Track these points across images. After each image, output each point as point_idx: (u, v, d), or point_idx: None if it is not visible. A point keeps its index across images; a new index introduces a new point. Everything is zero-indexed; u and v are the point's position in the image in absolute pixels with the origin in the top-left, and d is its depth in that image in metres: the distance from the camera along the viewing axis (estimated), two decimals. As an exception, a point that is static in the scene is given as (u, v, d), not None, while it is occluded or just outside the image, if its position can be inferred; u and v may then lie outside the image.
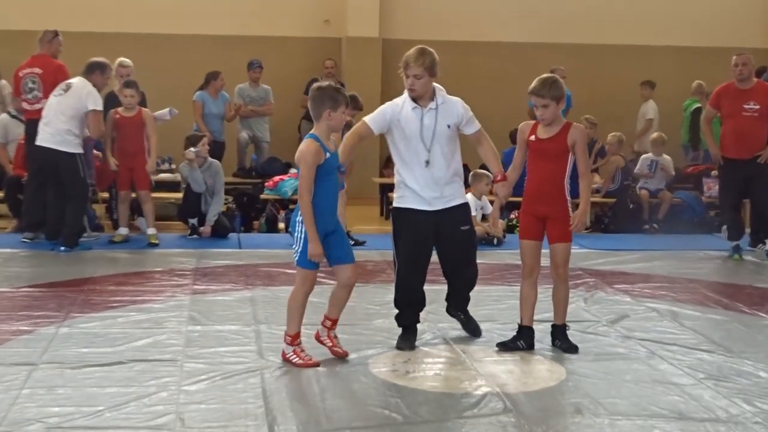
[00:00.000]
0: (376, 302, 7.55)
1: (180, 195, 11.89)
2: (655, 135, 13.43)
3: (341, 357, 6.14)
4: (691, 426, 5.12)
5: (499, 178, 6.54)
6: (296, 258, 6.02)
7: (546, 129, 6.44)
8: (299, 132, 14.92)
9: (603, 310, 7.81)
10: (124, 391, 5.46)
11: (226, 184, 11.91)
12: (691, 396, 5.59)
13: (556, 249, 6.50)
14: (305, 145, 5.93)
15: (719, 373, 6.07)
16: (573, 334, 6.68)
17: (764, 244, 10.56)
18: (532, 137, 6.46)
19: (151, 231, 10.70)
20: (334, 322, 6.19)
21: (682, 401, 5.50)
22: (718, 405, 5.44)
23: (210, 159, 11.24)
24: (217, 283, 8.64)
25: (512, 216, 12.40)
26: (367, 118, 6.47)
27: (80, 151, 10.17)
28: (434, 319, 7.08)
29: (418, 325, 6.69)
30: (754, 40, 15.35)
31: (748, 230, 10.97)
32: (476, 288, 6.85)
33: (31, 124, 10.53)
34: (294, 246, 6.02)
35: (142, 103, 11.51)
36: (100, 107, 10.23)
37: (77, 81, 10.26)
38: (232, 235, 11.35)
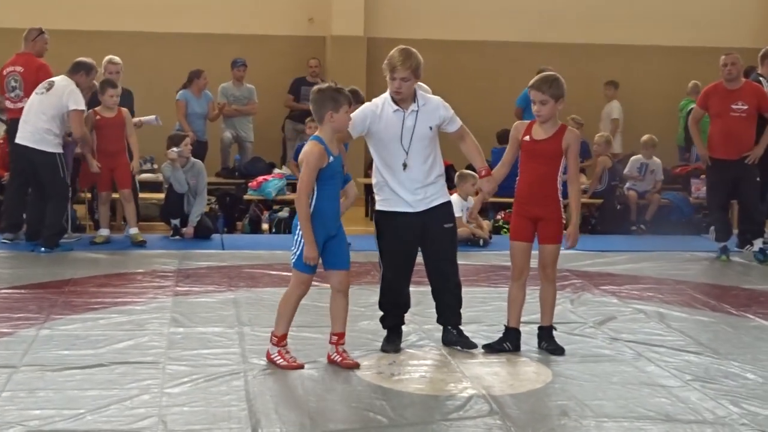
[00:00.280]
0: (361, 304, 7.49)
1: (162, 195, 11.82)
2: (645, 138, 13.37)
3: (354, 368, 6.00)
4: (677, 428, 5.08)
5: (483, 173, 6.46)
6: (293, 260, 5.96)
7: (541, 130, 6.40)
8: (283, 132, 14.89)
9: (590, 311, 7.77)
10: (105, 393, 5.40)
11: (209, 184, 11.85)
12: (678, 398, 5.56)
13: (546, 250, 6.46)
14: (309, 147, 5.87)
15: (706, 375, 6.04)
16: (559, 336, 6.64)
17: (752, 245, 10.53)
18: (527, 137, 6.42)
19: (133, 231, 10.64)
20: (340, 336, 6.09)
21: (669, 403, 5.47)
22: (704, 407, 5.41)
23: (193, 159, 11.16)
24: (200, 284, 8.58)
25: (499, 217, 12.38)
26: None
27: (60, 150, 10.08)
28: (420, 320, 7.03)
29: (404, 327, 6.64)
30: (743, 40, 15.34)
31: (735, 231, 10.95)
32: (462, 289, 6.78)
33: (13, 124, 10.47)
34: (292, 248, 5.96)
35: (131, 102, 11.44)
36: (82, 107, 10.14)
37: (60, 80, 10.17)
38: (215, 236, 11.29)
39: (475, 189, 11.51)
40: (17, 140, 10.09)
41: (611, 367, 6.18)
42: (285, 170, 13.34)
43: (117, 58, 11.48)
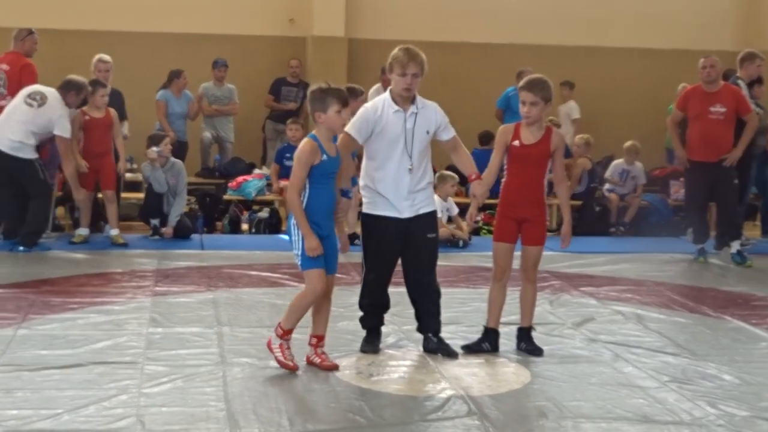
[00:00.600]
0: (340, 305, 7.48)
1: (142, 195, 11.79)
2: (628, 144, 13.41)
3: (333, 370, 5.97)
4: (655, 429, 5.11)
5: (473, 177, 6.38)
6: (299, 263, 5.90)
7: (529, 133, 6.40)
8: (263, 132, 14.85)
9: (568, 312, 7.79)
10: (83, 393, 5.38)
11: (189, 184, 11.83)
12: (655, 399, 5.58)
13: (530, 251, 6.49)
14: (302, 144, 5.88)
15: (683, 376, 6.06)
16: (538, 337, 6.66)
17: (729, 247, 10.58)
18: (516, 142, 6.41)
19: (114, 232, 10.61)
20: (320, 338, 6.06)
21: (646, 404, 5.49)
22: (682, 408, 5.43)
23: (172, 159, 11.14)
24: (179, 284, 8.56)
25: (478, 218, 12.39)
26: (348, 128, 6.23)
27: (36, 156, 10.08)
28: (399, 321, 7.04)
29: (383, 328, 6.64)
30: (723, 43, 15.42)
31: (713, 233, 10.99)
32: (441, 290, 6.77)
33: None
34: (294, 251, 5.92)
35: (121, 103, 11.39)
36: (68, 135, 10.13)
37: (52, 99, 10.08)
38: (195, 236, 11.27)
39: (454, 190, 11.55)
40: None
41: (589, 368, 6.20)
42: (265, 170, 13.32)
43: (107, 57, 11.44)
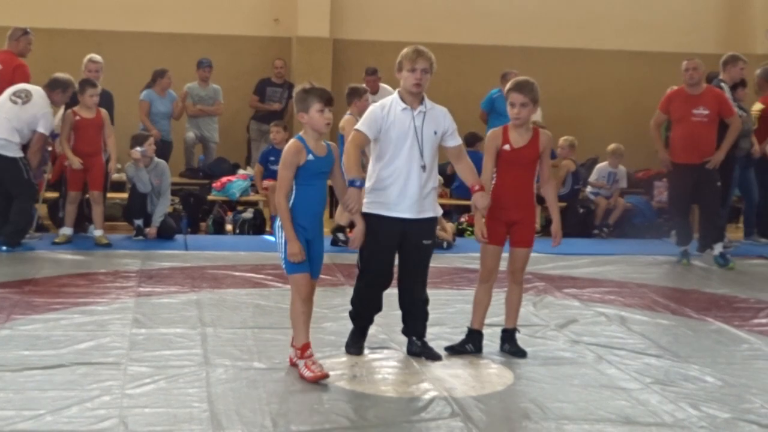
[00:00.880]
0: (325, 306, 7.49)
1: (125, 195, 11.75)
2: (612, 146, 13.42)
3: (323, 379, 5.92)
4: (637, 430, 5.12)
5: (477, 188, 6.29)
6: (283, 266, 5.87)
7: (519, 136, 6.41)
8: (248, 133, 14.84)
9: (552, 314, 7.81)
10: (65, 394, 5.36)
11: (173, 184, 11.80)
12: (638, 400, 5.60)
13: (519, 253, 6.50)
14: (287, 144, 5.87)
15: (666, 378, 6.09)
16: (522, 338, 6.67)
17: (712, 249, 10.61)
18: (506, 146, 6.40)
19: (98, 233, 10.58)
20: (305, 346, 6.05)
21: (629, 406, 5.51)
22: (664, 409, 5.45)
23: (156, 159, 11.12)
24: (163, 285, 8.54)
25: (462, 220, 12.41)
26: (359, 126, 6.22)
27: (21, 155, 10.05)
28: (383, 323, 7.01)
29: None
30: (706, 46, 15.48)
31: (696, 235, 11.03)
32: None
33: None
34: (279, 253, 5.89)
35: (110, 105, 11.36)
36: (48, 132, 10.14)
37: (37, 96, 10.09)
38: (179, 237, 11.24)
39: (438, 192, 11.53)
40: None
41: (572, 370, 6.21)
42: (249, 171, 13.31)
43: (98, 57, 11.41)
